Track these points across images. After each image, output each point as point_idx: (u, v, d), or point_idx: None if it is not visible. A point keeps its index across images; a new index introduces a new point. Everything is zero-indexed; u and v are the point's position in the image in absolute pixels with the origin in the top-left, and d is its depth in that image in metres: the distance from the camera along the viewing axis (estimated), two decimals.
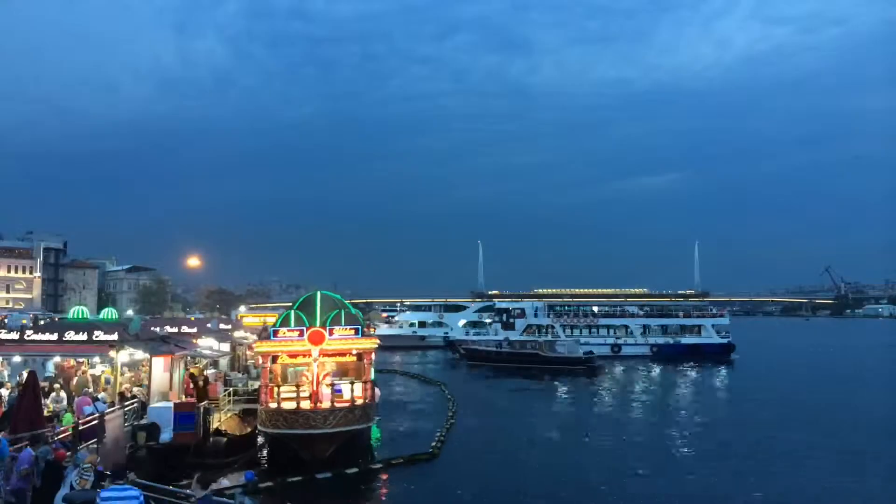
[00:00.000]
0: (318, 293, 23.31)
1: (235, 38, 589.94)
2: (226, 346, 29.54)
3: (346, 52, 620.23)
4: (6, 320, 57.68)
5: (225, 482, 17.88)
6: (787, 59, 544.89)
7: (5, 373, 21.58)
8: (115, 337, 19.35)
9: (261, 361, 23.36)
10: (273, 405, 20.38)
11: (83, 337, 19.24)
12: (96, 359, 21.92)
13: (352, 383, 21.43)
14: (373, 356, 23.23)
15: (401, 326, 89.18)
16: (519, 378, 47.40)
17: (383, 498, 18.79)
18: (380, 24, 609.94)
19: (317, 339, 21.17)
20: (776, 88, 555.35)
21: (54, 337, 19.60)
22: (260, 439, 22.41)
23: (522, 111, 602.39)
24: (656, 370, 56.07)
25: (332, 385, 21.31)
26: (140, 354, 20.91)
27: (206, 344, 27.36)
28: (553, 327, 71.68)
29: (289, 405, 20.51)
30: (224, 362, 29.13)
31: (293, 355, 21.77)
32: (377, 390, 24.11)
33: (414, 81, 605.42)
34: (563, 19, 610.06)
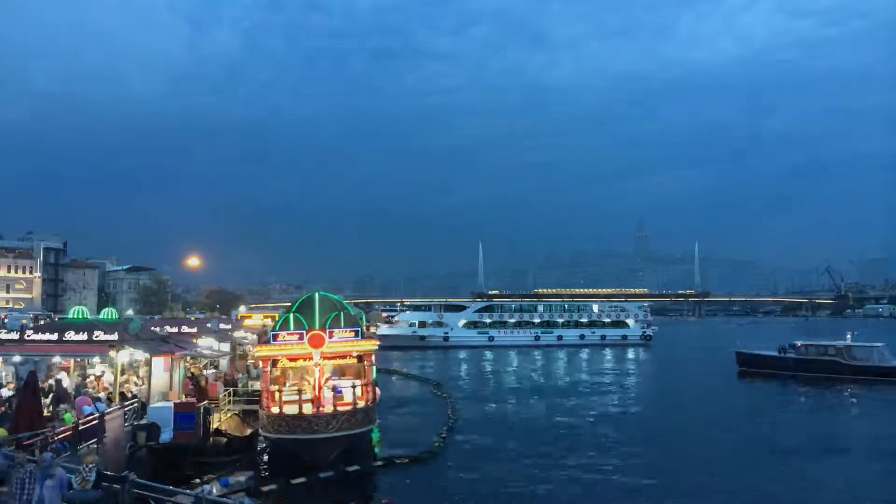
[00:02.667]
0: (317, 294, 23.18)
1: (250, 31, 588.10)
2: (226, 346, 29.55)
3: (362, 46, 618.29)
4: (6, 320, 57.59)
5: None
6: (806, 52, 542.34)
7: (3, 373, 21.53)
8: (115, 337, 19.33)
9: (260, 365, 23.29)
10: (275, 410, 20.21)
11: (83, 337, 19.23)
12: (96, 359, 21.90)
13: (353, 386, 21.37)
14: (373, 357, 23.21)
15: (401, 326, 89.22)
16: (804, 387, 41.38)
17: (386, 497, 18.68)
18: (397, 18, 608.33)
19: (317, 343, 21.05)
20: (789, 86, 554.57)
21: (54, 337, 19.56)
22: (261, 441, 22.32)
23: (536, 107, 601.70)
24: None
25: (334, 388, 21.27)
26: (140, 354, 20.90)
27: (206, 344, 27.38)
28: None
29: (291, 409, 20.22)
30: (224, 362, 29.14)
31: (293, 359, 21.69)
32: (377, 391, 24.09)
33: (430, 77, 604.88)
34: (585, 12, 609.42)
